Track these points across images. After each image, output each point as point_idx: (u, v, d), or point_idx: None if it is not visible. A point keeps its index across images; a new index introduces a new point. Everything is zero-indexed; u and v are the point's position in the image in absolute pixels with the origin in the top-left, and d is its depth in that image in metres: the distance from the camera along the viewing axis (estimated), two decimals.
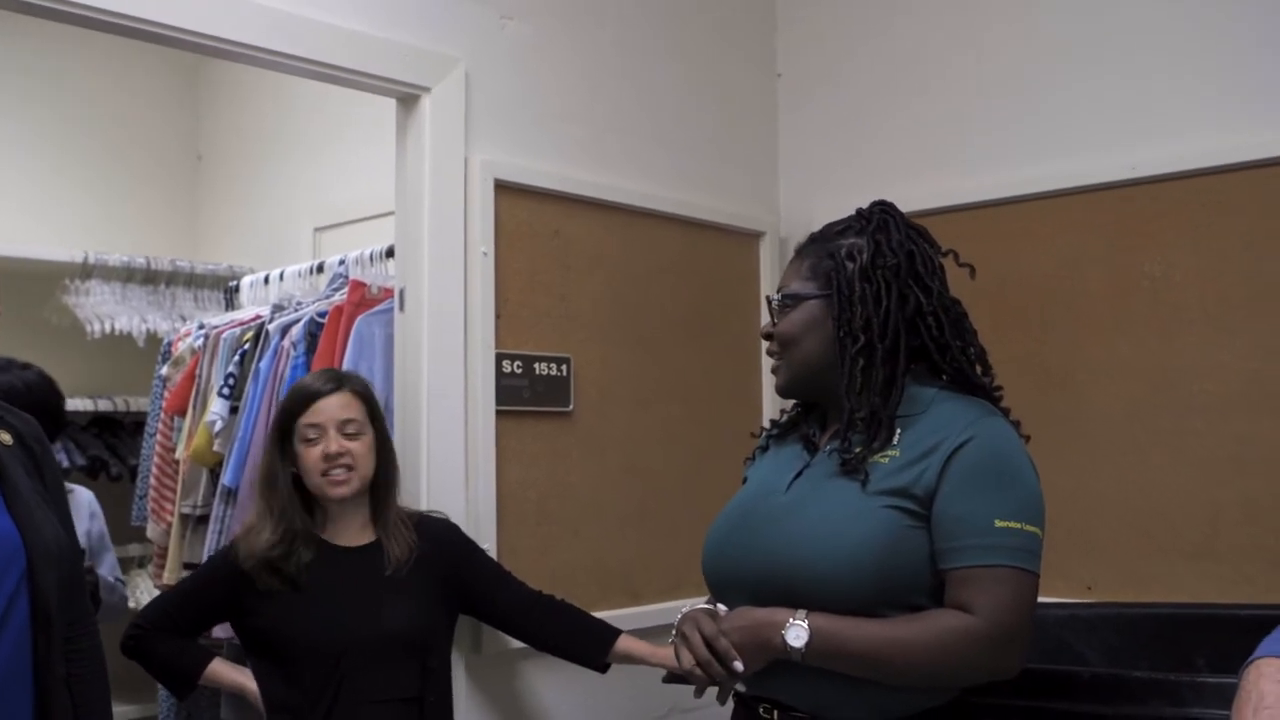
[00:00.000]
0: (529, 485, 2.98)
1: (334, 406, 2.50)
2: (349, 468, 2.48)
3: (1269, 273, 2.84)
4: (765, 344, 2.01)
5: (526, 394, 2.97)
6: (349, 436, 2.50)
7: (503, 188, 2.96)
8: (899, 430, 1.82)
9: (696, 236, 3.47)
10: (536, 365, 3.00)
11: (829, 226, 1.98)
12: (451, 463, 2.82)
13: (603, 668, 2.67)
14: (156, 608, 2.61)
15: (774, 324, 1.96)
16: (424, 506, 2.72)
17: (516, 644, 2.77)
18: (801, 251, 1.98)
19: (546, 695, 2.97)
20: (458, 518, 2.74)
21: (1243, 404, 2.86)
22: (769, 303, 1.98)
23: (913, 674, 1.71)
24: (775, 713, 1.82)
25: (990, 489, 1.73)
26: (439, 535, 2.61)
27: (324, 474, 2.47)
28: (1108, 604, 2.78)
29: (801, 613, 1.73)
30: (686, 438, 3.40)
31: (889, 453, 1.80)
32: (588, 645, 2.67)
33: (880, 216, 1.92)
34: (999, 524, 1.71)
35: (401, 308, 2.86)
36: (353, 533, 2.54)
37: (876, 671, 1.71)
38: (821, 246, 1.94)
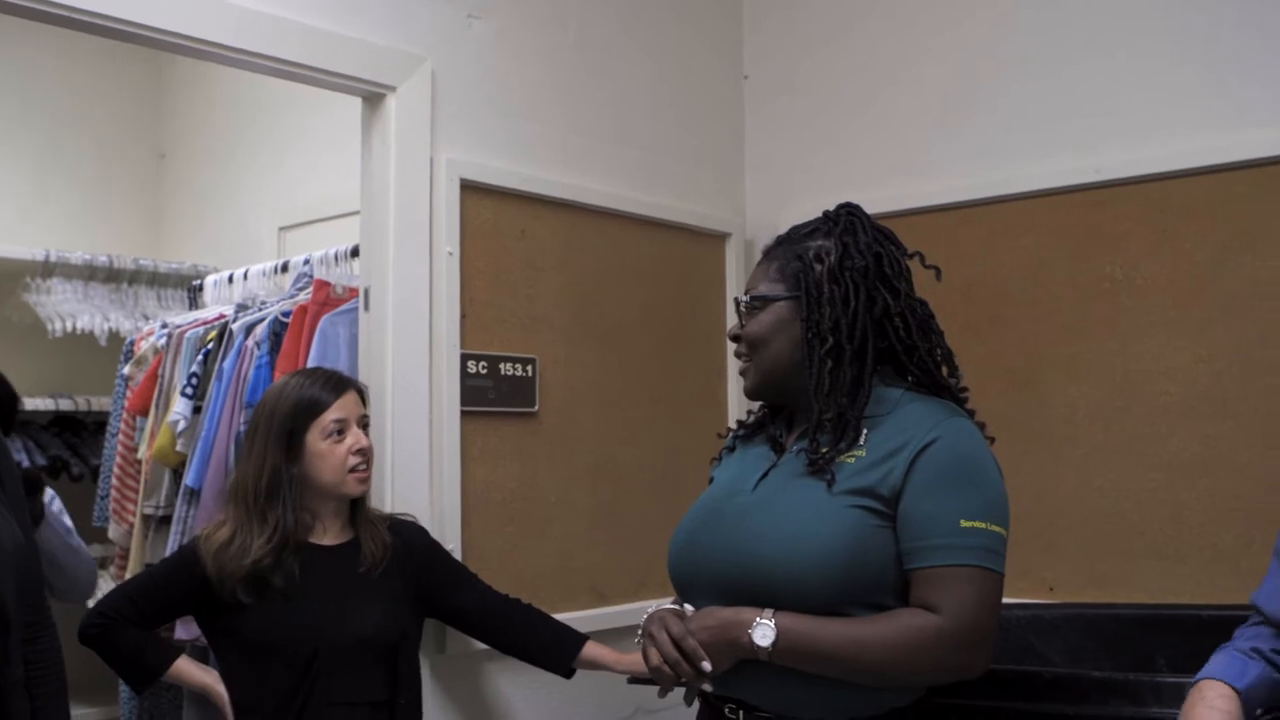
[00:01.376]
0: (494, 486, 2.97)
1: (353, 403, 2.53)
2: (369, 463, 2.52)
3: (1230, 276, 2.87)
4: (733, 346, 2.01)
5: (492, 394, 2.96)
6: (365, 432, 2.54)
7: (468, 187, 2.95)
8: (865, 430, 1.82)
9: (663, 237, 3.47)
10: (502, 365, 2.99)
11: (796, 229, 1.98)
12: (416, 463, 2.81)
13: (568, 673, 2.67)
14: (120, 597, 2.54)
15: (742, 326, 1.97)
16: (389, 507, 2.70)
17: (480, 645, 2.76)
18: (769, 254, 1.99)
19: (511, 696, 2.97)
20: (423, 519, 2.73)
21: (1204, 406, 2.89)
22: (737, 305, 1.98)
23: (879, 673, 1.72)
24: (741, 713, 1.82)
25: (956, 489, 1.74)
26: (408, 537, 2.61)
27: (352, 469, 2.48)
28: (1070, 605, 2.81)
29: (768, 612, 1.73)
30: (652, 438, 3.40)
31: (855, 453, 1.80)
32: (554, 651, 2.67)
33: (847, 219, 1.92)
34: (964, 524, 1.71)
35: (366, 307, 2.85)
36: (334, 533, 2.53)
37: (843, 670, 1.72)
38: (789, 249, 1.94)
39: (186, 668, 2.55)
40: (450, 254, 2.89)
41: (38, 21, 2.40)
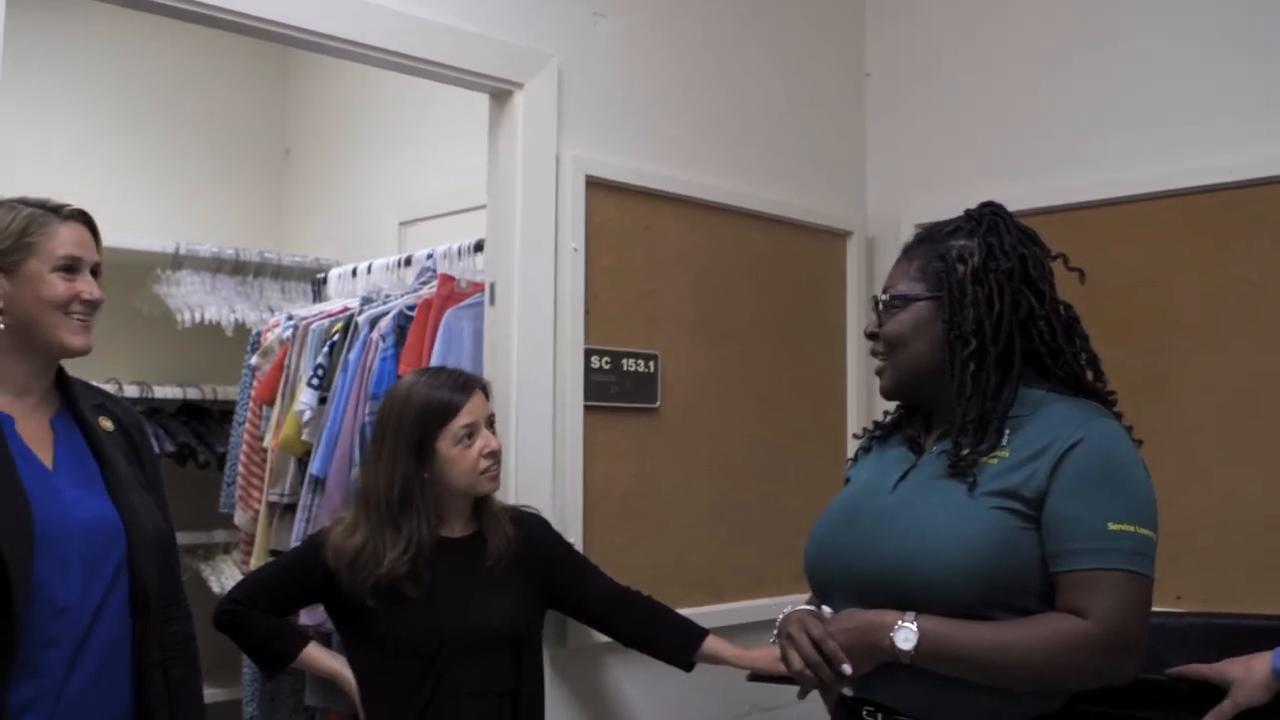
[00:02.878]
0: (615, 481, 2.99)
1: (480, 403, 2.53)
2: (499, 462, 2.53)
3: None
4: (870, 344, 1.99)
5: (614, 390, 2.98)
6: (493, 431, 2.55)
7: (593, 184, 2.97)
8: (1008, 431, 1.80)
9: (783, 235, 3.46)
10: (624, 361, 3.01)
11: (937, 226, 1.95)
12: (539, 458, 2.83)
13: (689, 667, 2.68)
14: (251, 584, 2.62)
15: (880, 324, 1.94)
16: (512, 500, 2.73)
17: (600, 638, 2.78)
18: (909, 251, 1.96)
19: (629, 689, 2.98)
20: (545, 513, 2.76)
21: None
22: (875, 303, 1.96)
23: (1024, 678, 1.69)
24: (880, 716, 1.80)
25: (1103, 491, 1.71)
26: (531, 530, 2.63)
27: (484, 471, 2.50)
28: (1197, 614, 2.74)
29: (910, 615, 1.72)
30: (770, 436, 3.39)
31: (998, 454, 1.78)
32: (675, 644, 2.67)
33: (991, 218, 1.90)
34: (1112, 526, 1.68)
35: (492, 302, 2.88)
36: (460, 526, 2.55)
37: (986, 675, 1.69)
38: (930, 248, 1.92)
39: (316, 654, 2.60)
40: (575, 250, 2.90)
41: (181, 20, 2.46)
